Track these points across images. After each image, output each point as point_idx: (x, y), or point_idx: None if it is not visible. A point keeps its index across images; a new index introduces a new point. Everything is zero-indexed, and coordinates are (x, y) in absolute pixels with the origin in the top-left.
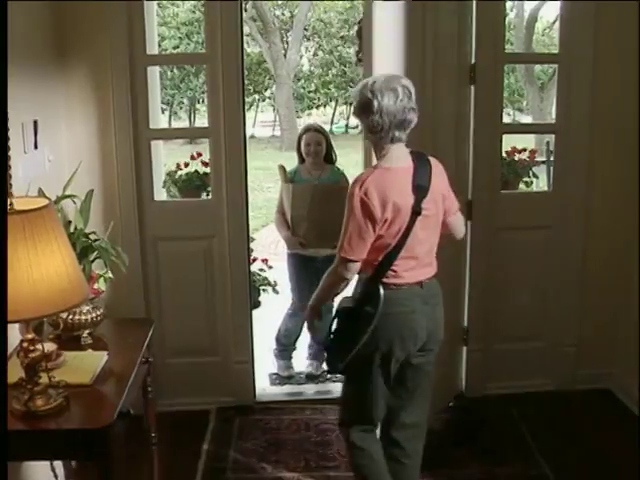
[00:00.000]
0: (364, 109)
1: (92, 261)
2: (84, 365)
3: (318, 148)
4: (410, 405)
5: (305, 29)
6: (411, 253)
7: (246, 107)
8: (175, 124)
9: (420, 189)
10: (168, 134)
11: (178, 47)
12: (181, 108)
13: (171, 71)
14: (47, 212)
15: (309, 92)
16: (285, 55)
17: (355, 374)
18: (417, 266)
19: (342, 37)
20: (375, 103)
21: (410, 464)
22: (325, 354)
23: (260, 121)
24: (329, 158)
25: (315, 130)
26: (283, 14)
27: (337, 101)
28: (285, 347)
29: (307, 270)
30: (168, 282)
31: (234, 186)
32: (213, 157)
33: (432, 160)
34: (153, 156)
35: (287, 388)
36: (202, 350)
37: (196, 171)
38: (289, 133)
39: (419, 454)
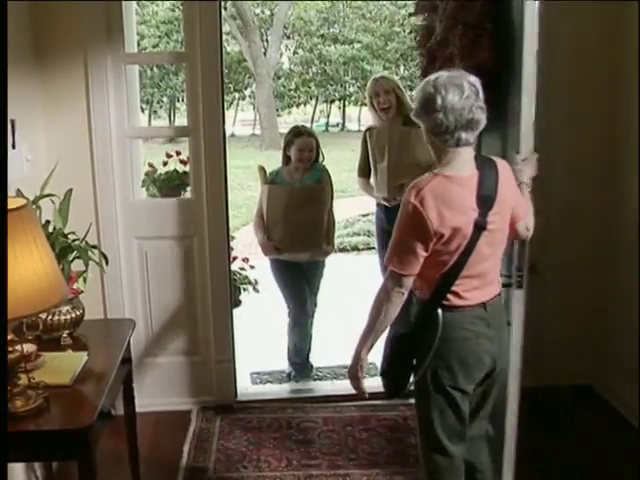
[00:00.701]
0: (426, 106)
1: (71, 261)
2: (64, 366)
3: (310, 155)
4: (473, 421)
5: (285, 27)
6: (473, 271)
7: (226, 106)
8: (155, 123)
9: (486, 200)
10: (147, 133)
11: (158, 46)
12: (161, 107)
13: (151, 70)
14: (25, 212)
15: (289, 90)
16: (265, 53)
17: (418, 407)
18: (480, 285)
19: (322, 35)
20: (439, 99)
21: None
22: (383, 376)
23: (240, 120)
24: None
25: (308, 135)
26: (263, 12)
27: (317, 99)
28: (300, 365)
29: (295, 275)
30: (148, 282)
31: (214, 185)
32: (193, 156)
33: (500, 164)
34: (132, 155)
35: (268, 387)
36: (183, 350)
37: (175, 170)
38: (269, 132)
39: (489, 465)
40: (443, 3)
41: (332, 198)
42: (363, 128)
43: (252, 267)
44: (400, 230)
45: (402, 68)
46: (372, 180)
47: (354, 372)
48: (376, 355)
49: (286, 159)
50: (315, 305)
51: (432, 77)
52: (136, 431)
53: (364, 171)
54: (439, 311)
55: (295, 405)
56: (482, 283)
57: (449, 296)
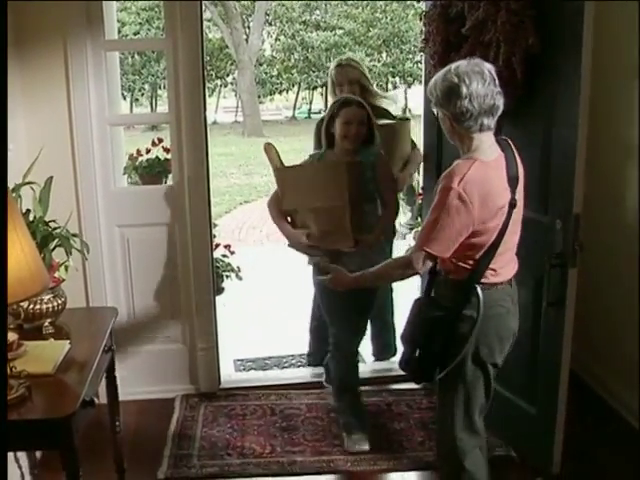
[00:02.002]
0: (450, 95)
1: (52, 249)
2: (46, 354)
3: (361, 129)
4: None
5: (267, 14)
6: (504, 249)
7: (208, 93)
8: (137, 110)
9: (513, 179)
10: (128, 120)
11: (139, 33)
12: (142, 94)
13: (132, 57)
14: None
15: (271, 77)
16: (247, 40)
17: (455, 389)
18: (510, 262)
19: (304, 22)
20: (463, 87)
21: None
22: (410, 364)
23: (223, 107)
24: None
25: (358, 105)
26: None
27: (300, 86)
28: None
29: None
30: (130, 269)
31: (196, 172)
32: (174, 143)
33: (511, 142)
34: (114, 143)
35: (252, 374)
36: (166, 337)
37: (157, 157)
38: (251, 119)
39: None
40: None
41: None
42: None
43: (233, 253)
44: (439, 214)
45: (384, 54)
46: None
47: (340, 278)
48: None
49: (328, 139)
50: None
51: (452, 66)
52: (119, 419)
53: None
54: (479, 289)
55: (279, 392)
56: (510, 259)
57: (486, 274)
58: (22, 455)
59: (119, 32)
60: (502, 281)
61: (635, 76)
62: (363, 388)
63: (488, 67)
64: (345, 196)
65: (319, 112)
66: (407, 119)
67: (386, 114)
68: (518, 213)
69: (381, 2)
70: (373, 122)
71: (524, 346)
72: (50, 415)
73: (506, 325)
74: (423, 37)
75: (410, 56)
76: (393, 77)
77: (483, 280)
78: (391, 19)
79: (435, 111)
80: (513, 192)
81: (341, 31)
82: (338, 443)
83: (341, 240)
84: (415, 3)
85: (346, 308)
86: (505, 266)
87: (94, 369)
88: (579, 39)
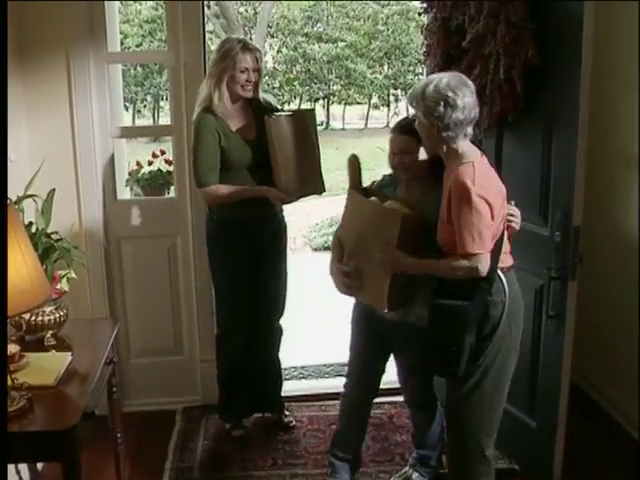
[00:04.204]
0: (445, 107)
1: (54, 261)
2: (48, 366)
3: (406, 161)
4: None
5: (269, 26)
6: (506, 237)
7: None
8: (139, 122)
9: (498, 174)
10: (131, 132)
11: (141, 45)
12: (145, 106)
13: (134, 69)
14: (8, 213)
15: (273, 89)
16: None
17: (497, 374)
18: (508, 248)
19: (306, 34)
20: (458, 100)
21: None
22: (447, 365)
23: None
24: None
25: (400, 130)
26: (247, 11)
27: (302, 98)
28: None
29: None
30: (132, 281)
31: None
32: (176, 155)
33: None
34: (116, 155)
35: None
36: (167, 349)
37: (159, 169)
38: None
39: None
40: (475, 2)
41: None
42: (347, 127)
43: None
44: (471, 217)
45: (386, 67)
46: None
47: (396, 260)
48: None
49: None
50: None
51: (442, 80)
52: (121, 431)
53: None
54: (500, 274)
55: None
56: (507, 246)
57: (502, 258)
58: (23, 467)
59: (122, 44)
60: (509, 265)
61: (635, 88)
62: None
63: (468, 79)
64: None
65: (321, 124)
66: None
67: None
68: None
69: (382, 15)
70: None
71: (525, 358)
72: (52, 427)
73: (521, 304)
74: (424, 50)
75: (411, 68)
76: (395, 89)
77: (500, 265)
78: (392, 32)
79: (419, 123)
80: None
81: (343, 43)
82: None
83: (375, 300)
84: (416, 16)
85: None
86: (507, 252)
87: (96, 381)
88: (578, 51)
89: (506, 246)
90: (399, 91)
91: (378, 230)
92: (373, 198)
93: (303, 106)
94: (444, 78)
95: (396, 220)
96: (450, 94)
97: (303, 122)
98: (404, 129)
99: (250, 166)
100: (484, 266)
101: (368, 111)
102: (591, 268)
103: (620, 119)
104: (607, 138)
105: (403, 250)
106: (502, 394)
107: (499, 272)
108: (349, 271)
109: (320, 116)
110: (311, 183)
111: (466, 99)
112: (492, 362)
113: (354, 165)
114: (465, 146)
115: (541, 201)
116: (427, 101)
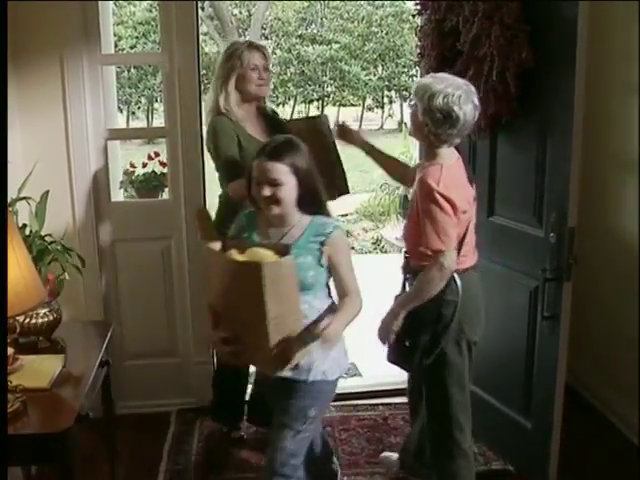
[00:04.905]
0: (446, 121)
1: (48, 264)
2: (41, 369)
3: (277, 191)
4: None
5: (263, 28)
6: (469, 237)
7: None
8: (133, 124)
9: (470, 176)
10: (124, 134)
11: (135, 46)
12: (139, 108)
13: (128, 70)
14: None
15: None
16: None
17: (445, 368)
18: (473, 249)
19: (300, 36)
20: (461, 117)
21: None
22: (402, 356)
23: None
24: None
25: (270, 156)
26: (241, 13)
27: (296, 99)
28: None
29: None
30: (126, 284)
31: (192, 186)
32: (170, 157)
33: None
34: (110, 156)
35: (248, 388)
36: (162, 351)
37: (153, 171)
38: None
39: None
40: (469, 4)
41: None
42: None
43: None
44: (435, 215)
45: (380, 68)
46: None
47: (389, 324)
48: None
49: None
50: None
51: (455, 93)
52: (115, 434)
53: None
54: (455, 275)
55: None
56: (473, 247)
57: (460, 260)
58: (17, 469)
59: (115, 46)
60: (470, 266)
61: (631, 91)
62: (359, 402)
63: (476, 93)
64: (263, 310)
65: None
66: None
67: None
68: (475, 209)
69: (377, 17)
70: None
71: (520, 360)
72: (46, 430)
73: (479, 304)
74: (418, 51)
75: (405, 70)
76: (389, 91)
77: (459, 267)
78: (387, 33)
79: (415, 112)
80: (472, 186)
81: (337, 45)
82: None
83: (262, 366)
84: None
85: None
86: (470, 253)
87: (90, 383)
88: (573, 53)
89: (467, 247)
90: (393, 93)
91: (242, 288)
92: (232, 251)
93: (297, 108)
94: (458, 91)
95: (257, 273)
96: (456, 110)
97: (320, 127)
98: (275, 154)
99: None
100: (450, 263)
101: (362, 113)
102: (586, 269)
103: (614, 120)
104: (601, 139)
105: (280, 301)
106: (462, 389)
107: (454, 273)
108: (227, 337)
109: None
110: (334, 186)
111: (468, 117)
112: (446, 359)
113: (202, 217)
114: (446, 150)
115: (536, 202)
116: (432, 107)
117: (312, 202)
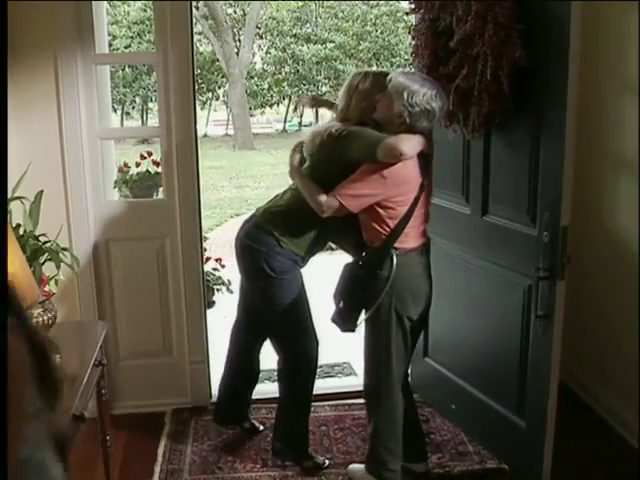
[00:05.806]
0: (425, 116)
1: (42, 263)
2: None
3: None
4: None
5: (257, 27)
6: (414, 220)
7: (199, 106)
8: (127, 123)
9: (427, 164)
10: (119, 133)
11: (130, 46)
12: (133, 107)
13: (123, 70)
14: None
15: (262, 90)
16: (238, 53)
17: (375, 335)
18: (419, 232)
19: (295, 35)
20: (437, 113)
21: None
22: (338, 316)
23: (213, 120)
24: None
25: None
26: (235, 12)
27: (290, 99)
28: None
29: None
30: (120, 283)
31: (186, 186)
32: (165, 157)
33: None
34: (104, 156)
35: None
36: (156, 351)
37: (148, 171)
38: (242, 132)
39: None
40: (463, 3)
41: None
42: None
43: (223, 266)
44: (365, 177)
45: (375, 67)
46: None
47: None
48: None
49: None
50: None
51: (431, 92)
52: (110, 434)
53: None
54: (394, 254)
55: (269, 406)
56: (419, 230)
57: (402, 240)
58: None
59: (110, 45)
60: (413, 247)
61: (625, 90)
62: (354, 401)
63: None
64: None
65: (310, 125)
66: None
67: None
68: (427, 194)
69: (371, 16)
70: None
71: (513, 359)
72: None
73: (417, 286)
74: (412, 50)
75: (400, 69)
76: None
77: (398, 246)
78: (381, 32)
79: (389, 104)
80: (424, 175)
81: (332, 44)
82: (329, 457)
83: None
84: (405, 17)
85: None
86: (415, 235)
87: (84, 383)
88: (566, 52)
89: (411, 230)
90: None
91: None
92: None
93: (292, 107)
94: (433, 90)
95: None
96: (434, 106)
97: None
98: None
99: None
100: (328, 208)
101: None
102: (579, 268)
103: (608, 119)
104: (595, 138)
105: None
106: (389, 355)
107: (392, 251)
108: None
109: (309, 117)
110: None
111: (440, 112)
112: (378, 328)
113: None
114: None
115: (529, 201)
116: (412, 103)
117: None
